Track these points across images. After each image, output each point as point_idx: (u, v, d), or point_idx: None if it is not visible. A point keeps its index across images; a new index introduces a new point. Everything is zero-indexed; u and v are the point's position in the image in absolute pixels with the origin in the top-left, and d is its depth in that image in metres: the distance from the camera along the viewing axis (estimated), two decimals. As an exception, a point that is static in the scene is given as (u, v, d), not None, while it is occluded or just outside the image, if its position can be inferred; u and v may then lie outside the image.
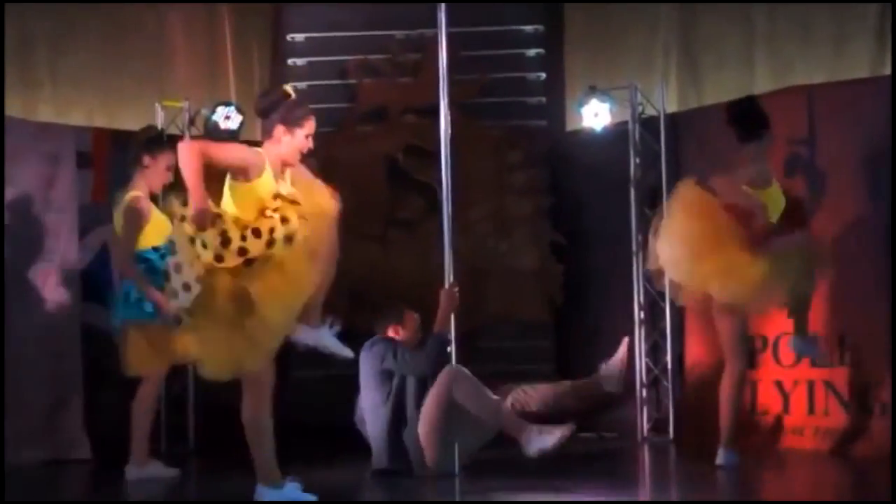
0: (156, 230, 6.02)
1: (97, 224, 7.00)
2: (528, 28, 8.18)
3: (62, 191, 7.02)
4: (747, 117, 5.99)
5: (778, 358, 6.76)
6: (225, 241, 4.76)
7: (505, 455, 6.05)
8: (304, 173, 5.14)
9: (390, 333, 6.20)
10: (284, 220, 4.83)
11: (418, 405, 5.96)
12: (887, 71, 6.65)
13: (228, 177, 4.93)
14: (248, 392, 5.00)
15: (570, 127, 8.06)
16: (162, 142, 6.34)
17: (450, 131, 5.98)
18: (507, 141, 8.02)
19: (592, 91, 7.47)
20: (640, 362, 7.41)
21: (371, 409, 6.07)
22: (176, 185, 6.53)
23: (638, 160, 7.50)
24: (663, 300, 7.33)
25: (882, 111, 6.38)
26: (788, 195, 6.12)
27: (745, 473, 6.03)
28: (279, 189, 4.92)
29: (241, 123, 7.34)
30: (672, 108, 7.58)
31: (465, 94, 7.74)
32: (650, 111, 7.51)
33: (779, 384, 6.74)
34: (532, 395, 6.37)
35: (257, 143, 5.11)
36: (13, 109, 7.04)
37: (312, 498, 5.05)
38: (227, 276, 4.80)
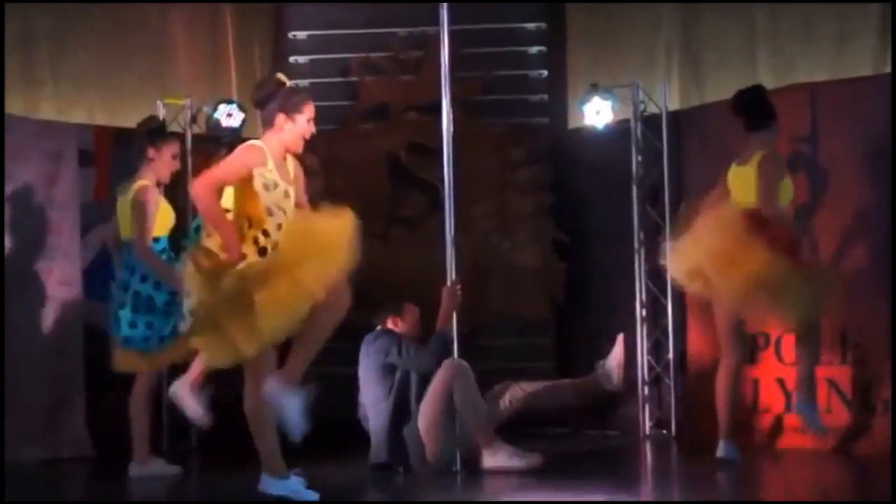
0: (160, 221, 6.06)
1: (99, 222, 6.99)
2: (531, 25, 8.18)
3: (64, 189, 7.02)
4: (756, 106, 5.99)
5: (780, 355, 6.75)
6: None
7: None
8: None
9: (389, 325, 6.21)
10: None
11: (419, 401, 5.98)
12: (889, 69, 6.65)
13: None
14: (249, 382, 5.01)
15: (572, 125, 8.06)
16: (164, 132, 6.39)
17: (452, 129, 5.98)
18: (510, 138, 8.02)
19: (594, 89, 7.47)
20: (643, 360, 7.41)
21: (372, 404, 6.08)
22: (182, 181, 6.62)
23: (640, 158, 7.50)
24: (665, 298, 7.34)
25: (884, 109, 6.37)
26: None
27: (746, 471, 6.04)
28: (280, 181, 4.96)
29: (243, 121, 7.35)
30: (674, 105, 7.58)
31: (467, 92, 7.73)
32: (652, 109, 7.51)
33: (781, 382, 6.73)
34: (527, 389, 6.38)
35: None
36: (15, 107, 7.05)
37: (315, 496, 5.05)
38: (232, 275, 4.81)
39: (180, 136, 7.15)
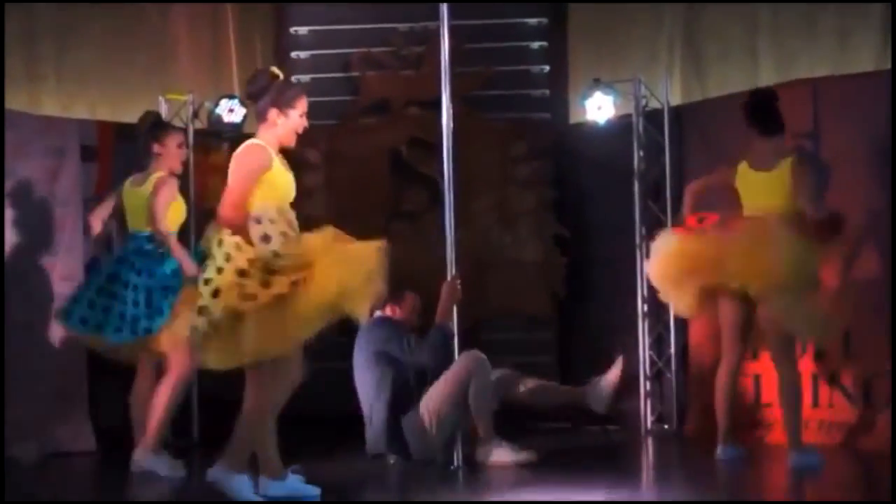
0: (172, 216, 6.12)
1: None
2: (532, 21, 8.17)
3: (67, 184, 7.03)
4: (772, 112, 5.96)
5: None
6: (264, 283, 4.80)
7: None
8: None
9: (387, 312, 6.21)
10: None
11: (419, 390, 5.99)
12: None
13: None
14: (252, 384, 4.98)
15: (573, 120, 8.05)
16: (164, 125, 6.46)
17: (451, 124, 5.99)
18: (511, 134, 8.02)
19: (596, 84, 7.46)
20: (644, 354, 7.42)
21: (366, 391, 6.08)
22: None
23: (642, 153, 7.50)
24: (667, 293, 7.34)
25: (886, 105, 6.37)
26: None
27: (748, 467, 6.04)
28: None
29: (245, 116, 7.35)
30: (676, 100, 7.57)
31: (468, 87, 7.74)
32: (654, 104, 7.50)
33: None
34: (527, 384, 6.41)
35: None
36: (18, 103, 7.05)
37: (315, 491, 5.05)
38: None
39: (182, 132, 7.14)
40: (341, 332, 5.28)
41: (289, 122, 5.05)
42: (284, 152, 5.14)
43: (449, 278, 5.97)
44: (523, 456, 6.04)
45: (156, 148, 6.18)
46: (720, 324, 6.12)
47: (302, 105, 5.08)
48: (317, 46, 8.19)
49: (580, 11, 8.21)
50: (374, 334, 6.09)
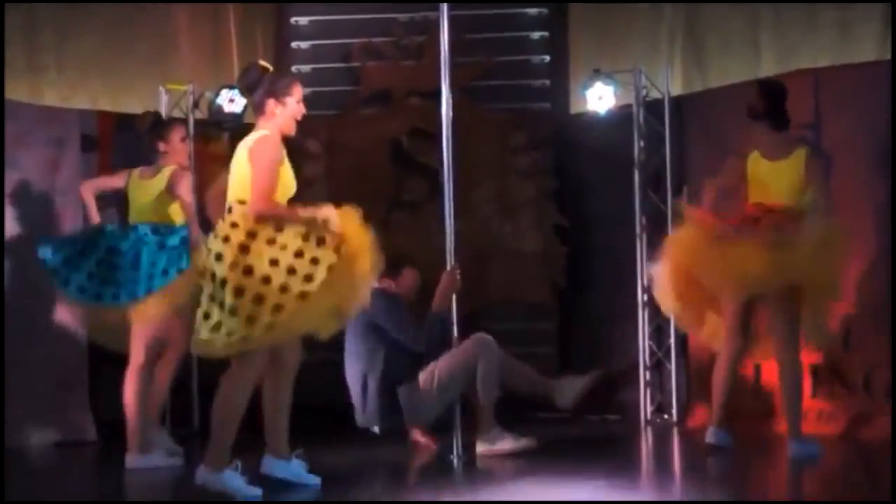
0: (175, 208, 6.09)
1: (101, 207, 7.00)
2: (532, 10, 8.16)
3: (67, 174, 7.04)
4: (783, 105, 5.95)
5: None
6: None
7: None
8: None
9: (384, 285, 6.19)
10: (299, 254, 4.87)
11: (413, 367, 6.02)
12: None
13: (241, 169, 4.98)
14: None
15: (574, 110, 8.05)
16: (165, 122, 6.48)
17: (451, 114, 5.98)
18: (511, 124, 8.01)
19: (597, 74, 7.46)
20: (644, 344, 7.42)
21: (356, 361, 6.06)
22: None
23: (642, 143, 7.50)
24: (667, 283, 7.34)
25: (887, 95, 6.36)
26: None
27: (747, 457, 6.05)
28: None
29: (245, 106, 7.35)
30: (677, 91, 7.57)
31: (468, 77, 7.74)
32: (655, 94, 7.50)
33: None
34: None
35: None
36: (19, 93, 7.05)
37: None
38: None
39: (183, 122, 7.15)
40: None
41: (287, 111, 5.06)
42: (284, 142, 5.15)
43: (448, 268, 5.98)
44: (524, 443, 6.05)
45: (161, 146, 6.21)
46: (723, 315, 6.10)
47: (297, 92, 5.09)
48: (317, 36, 8.18)
49: (581, 1, 8.20)
50: (369, 306, 6.07)
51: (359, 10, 8.13)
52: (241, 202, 4.93)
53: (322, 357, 5.87)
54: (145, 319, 5.91)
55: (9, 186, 6.83)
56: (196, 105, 7.53)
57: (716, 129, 7.04)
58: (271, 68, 5.15)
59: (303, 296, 4.79)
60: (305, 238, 4.86)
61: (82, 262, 6.09)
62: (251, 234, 4.86)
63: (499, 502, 5.02)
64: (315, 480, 5.17)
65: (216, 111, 7.39)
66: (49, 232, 6.89)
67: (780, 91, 5.99)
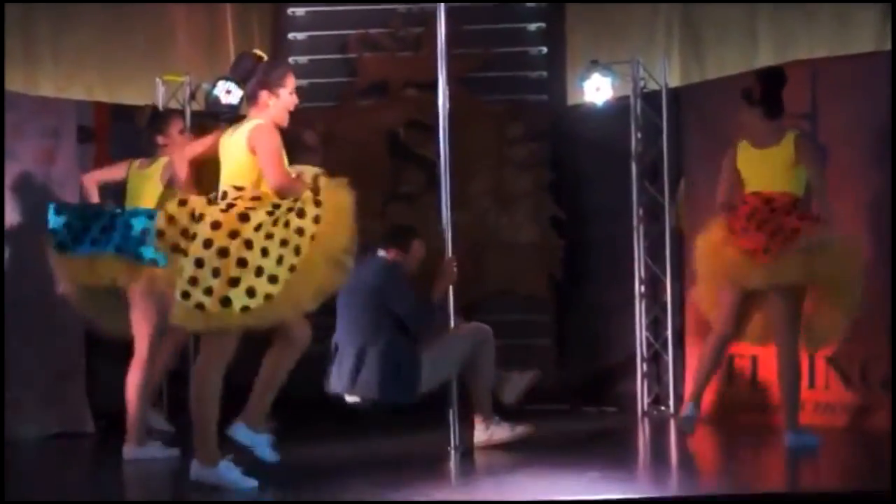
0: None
1: (98, 198, 6.98)
2: (530, 2, 8.15)
3: (63, 165, 7.03)
4: (780, 93, 5.94)
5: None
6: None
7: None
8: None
9: (390, 255, 6.17)
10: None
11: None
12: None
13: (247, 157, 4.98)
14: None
15: (571, 101, 8.04)
16: (163, 115, 6.47)
17: (448, 106, 5.98)
18: (508, 115, 8.00)
19: (594, 65, 7.44)
20: (641, 336, 7.42)
21: (354, 328, 6.01)
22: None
23: (639, 135, 7.49)
24: (664, 274, 7.34)
25: (885, 86, 6.35)
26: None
27: (743, 449, 6.05)
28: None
29: (242, 98, 7.33)
30: (674, 82, 7.56)
31: (465, 69, 7.73)
32: (652, 85, 7.49)
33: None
34: None
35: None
36: (15, 83, 7.04)
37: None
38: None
39: (180, 113, 7.14)
40: (324, 313, 5.27)
41: (280, 102, 5.06)
42: (281, 133, 5.15)
43: (445, 260, 5.97)
44: (521, 430, 6.03)
45: (160, 140, 6.22)
46: (720, 300, 6.08)
47: (291, 83, 5.09)
48: (314, 27, 8.16)
49: (578, -7, 8.19)
50: (376, 274, 6.02)
51: (356, 0, 8.11)
52: (239, 188, 4.94)
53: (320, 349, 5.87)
54: (143, 304, 5.89)
55: (6, 177, 6.81)
56: (193, 96, 7.52)
57: (713, 121, 7.03)
58: (265, 57, 5.12)
59: (292, 269, 4.81)
60: (288, 210, 4.87)
61: (84, 235, 6.07)
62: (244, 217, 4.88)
63: (494, 502, 4.98)
64: (274, 458, 5.11)
65: (213, 102, 7.37)
66: (44, 222, 6.86)
67: (778, 78, 5.98)
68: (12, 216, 6.81)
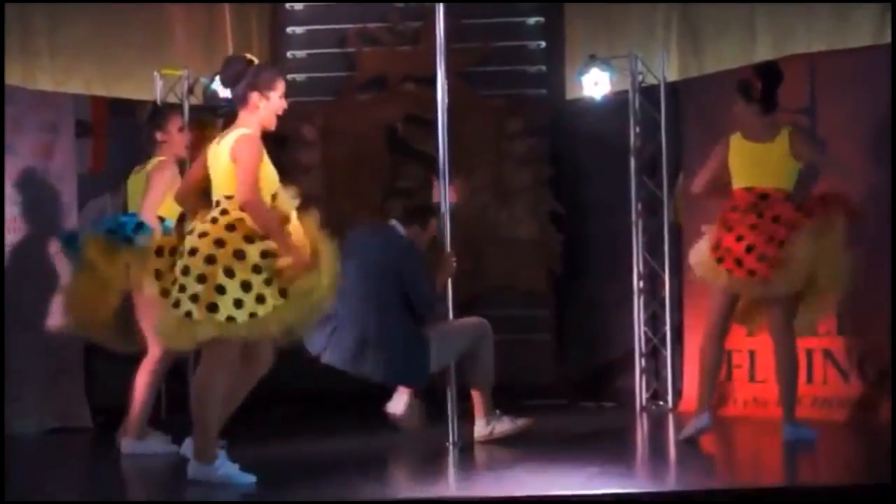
0: (172, 201, 6.05)
1: (96, 192, 7.01)
2: (528, -2, 8.15)
3: (61, 160, 7.02)
4: (777, 89, 5.93)
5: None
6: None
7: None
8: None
9: (412, 232, 6.17)
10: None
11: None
12: (890, 39, 6.61)
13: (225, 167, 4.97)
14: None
15: (570, 96, 8.02)
16: (163, 111, 6.45)
17: (447, 100, 5.97)
18: (507, 110, 8.00)
19: (593, 60, 7.43)
20: (640, 332, 7.42)
21: (360, 300, 5.97)
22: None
23: (638, 129, 7.48)
24: (663, 270, 7.34)
25: (884, 80, 6.35)
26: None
27: (741, 443, 6.05)
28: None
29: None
30: (673, 76, 7.54)
31: (464, 63, 7.72)
32: (651, 80, 7.48)
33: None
34: None
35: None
36: (12, 77, 7.02)
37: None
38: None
39: (177, 108, 7.13)
40: None
41: (270, 105, 5.05)
42: (280, 128, 5.15)
43: (444, 254, 5.97)
44: (522, 423, 6.04)
45: (158, 136, 6.19)
46: (711, 295, 6.07)
47: (281, 87, 5.08)
48: (313, 21, 8.15)
49: (577, -13, 8.17)
50: (394, 247, 6.03)
51: (354, -6, 8.10)
52: (228, 197, 4.95)
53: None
54: (152, 312, 5.86)
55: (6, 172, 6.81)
56: (191, 90, 7.51)
57: (712, 115, 7.02)
58: (256, 60, 5.11)
59: (282, 293, 4.85)
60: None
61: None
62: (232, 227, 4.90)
63: (492, 499, 4.98)
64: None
65: (211, 96, 7.37)
66: (43, 218, 6.88)
67: (776, 75, 5.97)
68: (9, 212, 6.79)
